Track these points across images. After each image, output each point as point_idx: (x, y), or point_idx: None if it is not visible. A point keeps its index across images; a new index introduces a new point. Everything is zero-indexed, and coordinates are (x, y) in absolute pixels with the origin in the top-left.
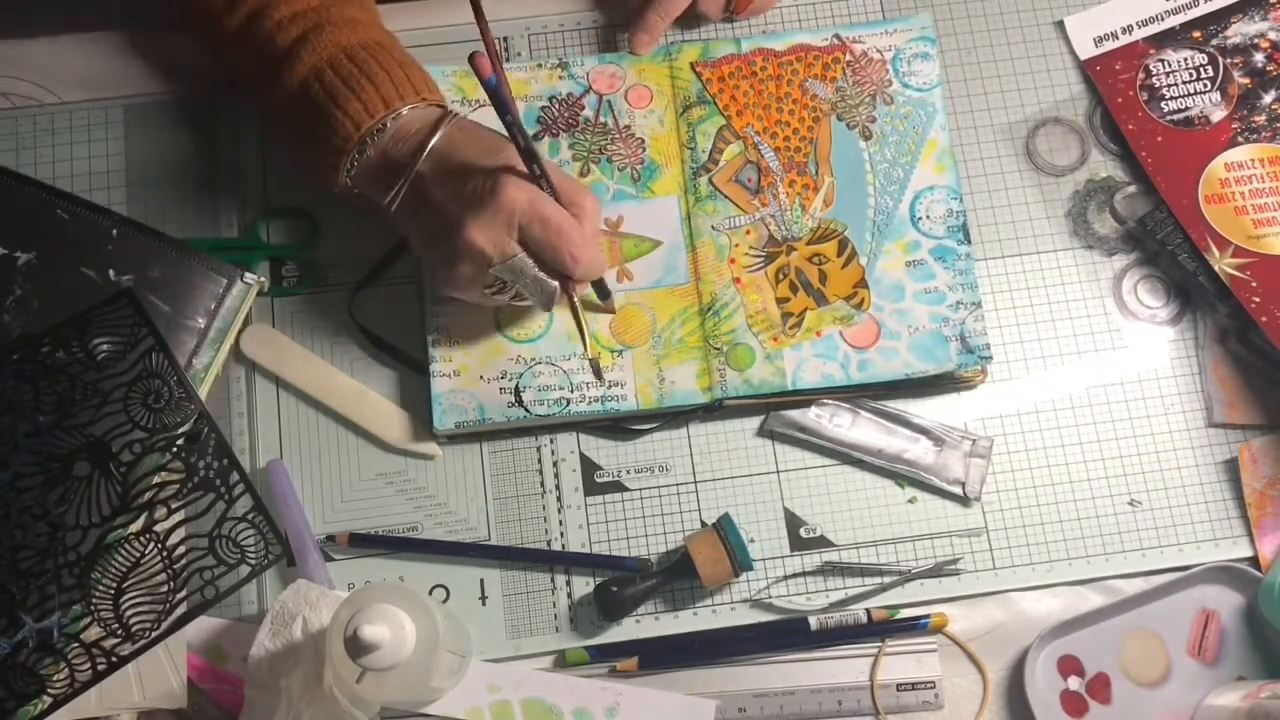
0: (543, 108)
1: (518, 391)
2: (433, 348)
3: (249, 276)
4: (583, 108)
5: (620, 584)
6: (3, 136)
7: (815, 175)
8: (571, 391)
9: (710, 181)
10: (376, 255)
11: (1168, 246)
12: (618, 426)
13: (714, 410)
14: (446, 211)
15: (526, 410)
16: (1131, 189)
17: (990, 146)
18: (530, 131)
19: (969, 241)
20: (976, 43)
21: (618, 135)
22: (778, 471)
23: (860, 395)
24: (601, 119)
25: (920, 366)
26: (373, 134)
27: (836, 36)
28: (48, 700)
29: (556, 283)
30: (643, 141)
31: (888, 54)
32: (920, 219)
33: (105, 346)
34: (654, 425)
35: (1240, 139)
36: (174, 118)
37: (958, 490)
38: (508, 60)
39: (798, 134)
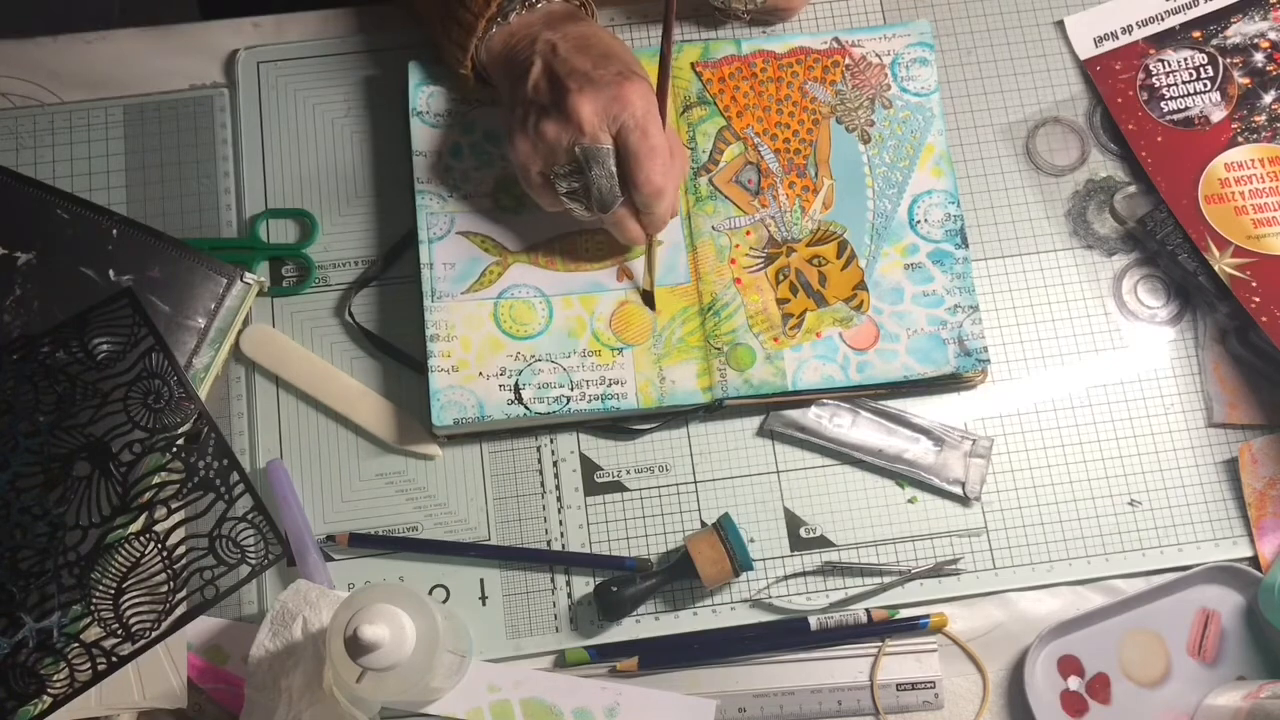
0: None
1: (517, 389)
2: (431, 343)
3: (249, 277)
4: None
5: (620, 584)
6: (3, 136)
7: (815, 178)
8: (571, 389)
9: (710, 182)
10: (376, 255)
11: (1168, 246)
12: (617, 426)
13: (714, 410)
14: (569, 77)
15: (526, 408)
16: (1131, 189)
17: (990, 147)
18: None
19: (966, 246)
20: (977, 43)
21: None
22: (778, 471)
23: (860, 395)
24: None
25: (919, 369)
26: (500, 17)
27: (836, 40)
28: (47, 700)
29: (622, 197)
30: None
31: (886, 58)
32: (918, 222)
33: (105, 346)
34: (654, 425)
35: (1240, 139)
36: (174, 118)
37: (958, 490)
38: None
39: (797, 136)
